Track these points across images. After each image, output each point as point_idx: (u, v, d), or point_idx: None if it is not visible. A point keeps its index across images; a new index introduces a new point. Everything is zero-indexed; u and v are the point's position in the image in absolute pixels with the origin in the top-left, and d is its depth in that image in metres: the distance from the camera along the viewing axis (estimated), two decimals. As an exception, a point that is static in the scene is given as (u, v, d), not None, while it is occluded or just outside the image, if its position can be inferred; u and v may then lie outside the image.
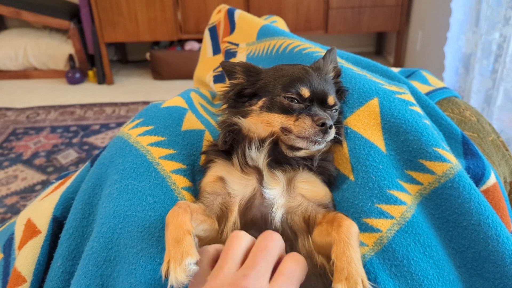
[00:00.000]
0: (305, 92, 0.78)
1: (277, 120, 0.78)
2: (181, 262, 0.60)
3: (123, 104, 4.00)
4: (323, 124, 0.74)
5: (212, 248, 0.65)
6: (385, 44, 5.04)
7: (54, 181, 1.09)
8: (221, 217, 0.75)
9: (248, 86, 0.84)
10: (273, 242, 0.62)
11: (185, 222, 0.65)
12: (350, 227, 0.67)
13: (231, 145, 0.80)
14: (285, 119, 0.77)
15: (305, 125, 0.75)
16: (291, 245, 0.72)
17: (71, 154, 3.16)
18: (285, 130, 0.77)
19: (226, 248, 0.62)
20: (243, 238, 0.63)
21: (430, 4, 3.91)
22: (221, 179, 0.78)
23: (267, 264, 0.60)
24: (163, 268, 0.61)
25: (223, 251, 0.62)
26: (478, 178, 0.87)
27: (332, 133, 0.76)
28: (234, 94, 0.85)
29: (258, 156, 0.77)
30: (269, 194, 0.74)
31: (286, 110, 0.78)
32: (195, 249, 0.63)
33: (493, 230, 0.74)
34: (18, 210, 2.56)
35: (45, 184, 2.81)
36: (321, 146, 0.78)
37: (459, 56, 3.21)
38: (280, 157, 0.77)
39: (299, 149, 0.77)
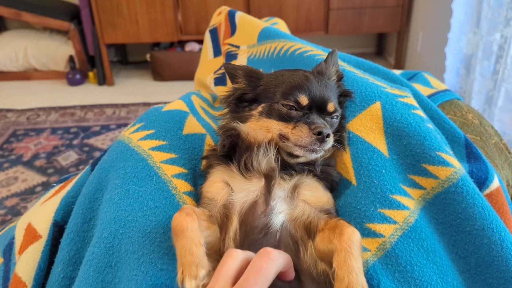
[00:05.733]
0: (304, 100, 0.78)
1: (275, 127, 0.78)
2: (197, 275, 0.61)
3: (123, 105, 4.00)
4: (320, 133, 0.73)
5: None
6: (386, 45, 5.04)
7: (54, 184, 1.08)
8: (222, 225, 0.74)
9: (248, 91, 0.84)
10: (269, 263, 0.59)
11: (196, 233, 0.66)
12: (352, 235, 0.66)
13: (231, 149, 0.79)
14: (283, 126, 0.77)
15: (302, 134, 0.74)
16: (293, 252, 0.71)
17: (72, 156, 3.16)
18: (283, 137, 0.77)
19: (218, 268, 0.61)
20: (236, 258, 0.61)
21: (431, 5, 3.90)
22: (224, 186, 0.77)
23: (260, 286, 0.57)
24: (179, 279, 0.62)
25: (216, 271, 0.61)
26: (482, 182, 0.86)
27: (329, 141, 0.75)
28: (235, 98, 0.84)
29: (268, 161, 0.76)
30: (274, 200, 0.74)
31: (284, 118, 0.77)
32: (206, 259, 0.64)
33: (497, 235, 0.74)
34: (18, 212, 2.55)
35: (45, 185, 2.81)
36: (318, 155, 0.77)
37: (460, 57, 3.20)
38: (285, 163, 0.77)
39: (298, 156, 0.77)
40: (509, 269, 0.72)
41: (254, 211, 0.73)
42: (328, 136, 0.74)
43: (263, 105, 0.80)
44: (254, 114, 0.81)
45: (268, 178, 0.76)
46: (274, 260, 0.60)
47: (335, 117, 0.81)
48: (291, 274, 0.66)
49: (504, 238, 0.74)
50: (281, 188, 0.75)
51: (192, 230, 0.66)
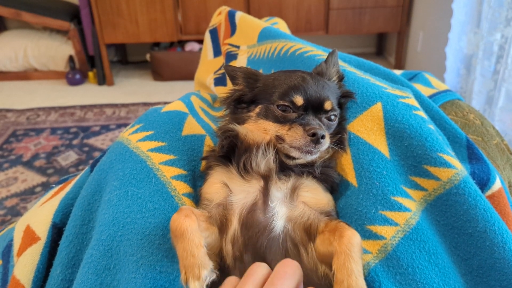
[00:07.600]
0: (299, 100, 0.77)
1: (272, 128, 0.77)
2: (199, 276, 0.62)
3: (123, 105, 3.99)
4: (314, 134, 0.72)
5: (235, 279, 0.67)
6: (386, 45, 5.03)
7: (53, 186, 1.08)
8: (221, 226, 0.74)
9: (247, 93, 0.83)
10: (293, 269, 0.63)
11: (196, 234, 0.66)
12: (351, 238, 0.66)
13: (230, 150, 0.79)
14: (279, 127, 0.77)
15: (297, 135, 0.74)
16: (294, 255, 0.71)
17: (71, 156, 3.15)
18: (280, 138, 0.76)
19: (247, 274, 0.64)
20: (263, 266, 0.65)
21: (431, 4, 3.90)
22: (222, 187, 0.77)
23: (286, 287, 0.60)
24: (183, 279, 0.63)
25: (244, 276, 0.64)
26: (483, 183, 0.85)
27: (325, 143, 0.74)
28: (233, 100, 0.84)
29: (267, 163, 0.75)
30: (273, 201, 0.73)
31: (280, 119, 0.77)
32: (208, 258, 0.65)
33: (499, 237, 0.73)
34: (18, 212, 2.54)
35: (45, 186, 2.80)
36: (314, 156, 0.76)
37: (461, 57, 3.19)
38: (284, 164, 0.76)
39: (295, 157, 0.76)
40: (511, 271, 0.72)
41: (253, 213, 0.73)
42: (323, 137, 0.72)
43: (260, 106, 0.80)
44: (252, 115, 0.80)
45: (267, 180, 0.75)
46: (297, 269, 0.64)
47: (332, 116, 0.80)
48: None
49: (506, 240, 0.73)
50: (278, 189, 0.74)
51: (192, 232, 0.66)
